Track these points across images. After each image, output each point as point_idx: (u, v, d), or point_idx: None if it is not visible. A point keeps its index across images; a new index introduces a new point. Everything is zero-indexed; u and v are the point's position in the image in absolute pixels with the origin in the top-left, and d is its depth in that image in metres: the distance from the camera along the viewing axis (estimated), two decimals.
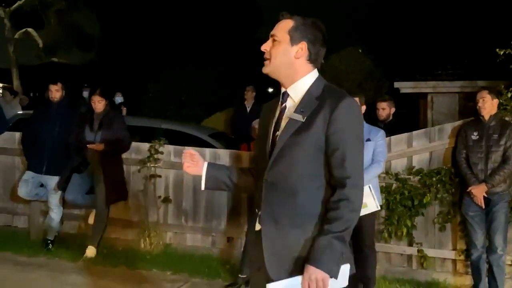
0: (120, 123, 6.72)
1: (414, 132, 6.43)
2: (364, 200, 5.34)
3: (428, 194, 6.17)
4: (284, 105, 2.64)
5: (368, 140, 5.52)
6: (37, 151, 6.78)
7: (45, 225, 7.00)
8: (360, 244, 5.51)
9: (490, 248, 5.64)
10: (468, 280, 6.17)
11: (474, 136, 5.74)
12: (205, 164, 2.86)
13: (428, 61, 14.19)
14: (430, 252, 6.29)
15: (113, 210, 6.81)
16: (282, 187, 2.58)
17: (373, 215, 5.54)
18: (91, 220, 6.90)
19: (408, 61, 14.39)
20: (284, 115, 2.62)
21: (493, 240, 5.60)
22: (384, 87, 13.14)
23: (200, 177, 2.86)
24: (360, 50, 12.02)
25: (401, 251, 6.35)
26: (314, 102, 2.54)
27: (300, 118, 2.54)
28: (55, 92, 6.82)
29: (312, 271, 2.41)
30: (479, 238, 5.69)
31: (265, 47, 2.62)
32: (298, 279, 2.49)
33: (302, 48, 2.55)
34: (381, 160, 5.52)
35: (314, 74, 2.61)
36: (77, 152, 6.57)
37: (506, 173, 5.57)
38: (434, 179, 6.21)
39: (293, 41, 2.55)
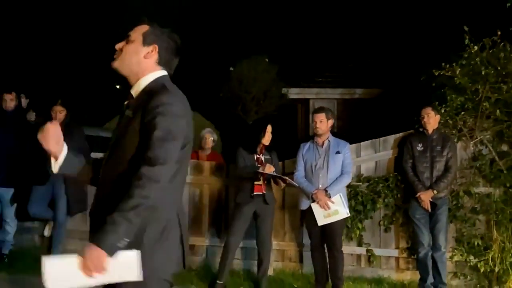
0: (81, 134, 6.69)
1: (362, 143, 7.08)
2: (336, 207, 5.97)
3: (379, 200, 6.85)
4: (127, 102, 2.79)
5: (338, 152, 6.08)
6: None
7: (0, 238, 6.74)
8: (331, 248, 6.06)
9: (434, 247, 6.39)
10: (408, 275, 6.95)
11: (419, 147, 6.49)
12: (65, 147, 2.85)
13: (310, 68, 15.12)
14: (377, 251, 6.99)
15: (70, 222, 6.75)
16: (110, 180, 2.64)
17: (343, 220, 6.10)
18: (47, 232, 6.79)
19: (299, 68, 15.21)
20: (125, 112, 2.72)
21: (437, 239, 6.37)
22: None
23: None
24: (266, 59, 12.54)
25: (351, 251, 6.96)
26: (143, 98, 2.63)
27: (130, 114, 2.64)
28: (10, 101, 6.61)
29: (89, 248, 2.36)
30: (426, 238, 6.44)
31: (118, 45, 2.75)
32: (74, 256, 2.41)
33: (152, 50, 2.69)
34: (349, 170, 6.11)
35: (157, 74, 2.70)
36: (37, 163, 6.42)
37: (449, 180, 6.39)
38: (381, 185, 6.91)
39: (146, 42, 2.69)
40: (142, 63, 2.68)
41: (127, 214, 2.36)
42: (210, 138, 8.03)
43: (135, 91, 2.71)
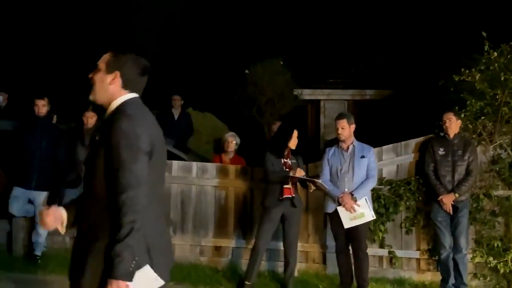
0: None
1: (384, 147, 7.23)
2: (362, 210, 6.15)
3: (401, 203, 7.02)
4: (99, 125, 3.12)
5: (363, 157, 6.25)
6: (24, 167, 6.70)
7: (33, 240, 6.92)
8: (357, 250, 6.23)
9: (455, 248, 6.55)
10: (429, 276, 7.12)
11: (441, 151, 6.65)
12: (63, 211, 3.00)
13: (321, 70, 15.22)
14: (398, 253, 7.15)
15: None
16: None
17: (367, 223, 6.28)
18: None
19: (310, 69, 15.32)
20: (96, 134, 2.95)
21: (459, 241, 6.53)
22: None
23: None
24: (281, 62, 12.63)
25: (373, 253, 7.12)
26: (107, 124, 2.82)
27: (98, 136, 2.87)
28: (42, 107, 6.78)
29: (109, 285, 2.59)
30: (447, 240, 6.60)
31: (91, 74, 2.97)
32: None
33: (115, 76, 2.88)
34: (374, 174, 6.28)
35: (123, 98, 2.89)
36: (70, 167, 6.62)
37: (470, 184, 6.56)
38: (403, 188, 7.07)
39: (108, 70, 2.90)
40: (109, 90, 2.89)
41: (125, 242, 2.58)
42: (233, 141, 8.20)
43: (106, 115, 2.93)
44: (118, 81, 2.88)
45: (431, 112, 8.04)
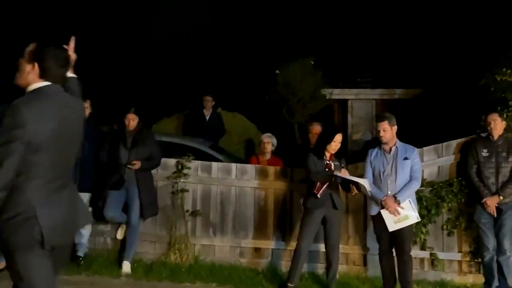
0: (153, 140, 6.91)
1: (425, 148, 7.16)
2: (406, 212, 6.09)
3: (443, 204, 6.95)
4: None
5: (406, 158, 6.17)
6: None
7: (76, 241, 6.98)
8: (401, 252, 6.17)
9: (499, 251, 6.46)
10: (471, 278, 7.03)
11: (484, 153, 6.56)
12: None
13: (350, 69, 15.14)
14: (440, 255, 7.08)
15: (141, 225, 6.98)
16: None
17: (412, 225, 6.22)
18: (120, 235, 7.03)
19: (340, 69, 15.23)
20: None
21: (503, 244, 6.44)
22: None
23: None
24: (312, 62, 12.58)
25: (415, 255, 7.03)
26: None
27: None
28: (84, 109, 6.80)
29: None
30: (491, 242, 6.51)
31: (19, 61, 3.32)
32: None
33: (33, 66, 3.24)
34: (418, 176, 6.19)
35: (35, 86, 3.25)
36: (113, 169, 6.66)
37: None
38: (445, 190, 7.00)
39: (29, 60, 3.26)
40: (28, 78, 3.25)
41: None
42: (269, 142, 8.19)
43: None
44: (36, 71, 3.22)
45: (467, 112, 7.95)
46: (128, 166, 6.59)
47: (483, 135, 6.75)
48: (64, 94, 3.35)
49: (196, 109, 11.47)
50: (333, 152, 6.34)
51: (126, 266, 6.65)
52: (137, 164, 6.59)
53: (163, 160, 7.14)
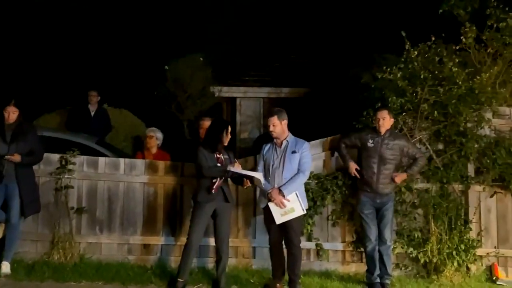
0: (34, 134, 6.57)
1: (312, 142, 7.33)
2: (292, 205, 6.26)
3: (329, 196, 7.19)
4: None
5: (294, 152, 6.30)
6: None
7: None
8: (290, 244, 6.30)
9: (381, 240, 6.77)
10: (353, 267, 7.35)
11: (370, 143, 6.78)
12: None
13: (239, 67, 15.35)
14: (325, 246, 7.32)
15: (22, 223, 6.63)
16: None
17: (300, 218, 6.37)
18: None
19: (229, 67, 15.39)
20: None
21: (384, 234, 6.76)
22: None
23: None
24: (201, 59, 12.56)
25: (302, 246, 7.18)
26: None
27: None
28: None
29: None
30: (373, 233, 6.80)
31: None
32: None
33: None
34: (305, 169, 6.33)
35: None
36: None
37: (420, 165, 6.87)
38: (329, 182, 7.25)
39: None
40: None
41: None
42: (153, 136, 8.07)
43: None
44: None
45: (349, 109, 8.27)
46: (6, 157, 6.20)
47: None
48: None
49: (80, 105, 11.06)
50: (226, 144, 6.37)
51: (6, 267, 6.29)
52: (17, 157, 6.23)
53: (46, 155, 6.82)
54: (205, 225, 6.31)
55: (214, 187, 6.14)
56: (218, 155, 6.29)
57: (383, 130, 6.75)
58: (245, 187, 6.42)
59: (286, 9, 17.39)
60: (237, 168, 6.16)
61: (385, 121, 6.74)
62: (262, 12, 17.98)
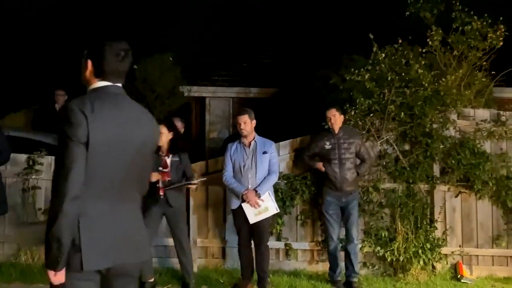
0: (1, 134, 6.45)
1: (281, 143, 7.43)
2: (266, 204, 6.30)
3: (298, 196, 7.27)
4: None
5: (265, 152, 6.36)
6: None
7: None
8: (259, 244, 6.35)
9: (347, 239, 6.88)
10: (321, 267, 7.43)
11: (327, 145, 6.87)
12: None
13: (208, 67, 15.38)
14: (294, 245, 7.40)
15: None
16: None
17: (270, 217, 6.43)
18: None
19: (198, 66, 15.41)
20: None
21: (350, 233, 6.85)
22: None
23: None
24: (171, 59, 12.52)
25: (271, 246, 7.26)
26: None
27: None
28: None
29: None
30: (336, 232, 6.88)
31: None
32: None
33: (87, 64, 2.94)
34: (276, 169, 6.42)
35: (92, 86, 2.94)
36: None
37: (366, 168, 6.98)
38: (299, 182, 7.32)
39: (86, 57, 2.97)
40: (85, 77, 2.95)
41: (50, 231, 2.66)
42: None
43: None
44: (91, 69, 2.90)
45: (316, 110, 8.35)
46: None
47: (327, 126, 7.02)
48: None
49: (47, 104, 10.91)
50: (159, 144, 6.04)
51: None
52: None
53: (13, 155, 6.69)
54: (156, 225, 6.25)
55: (160, 192, 6.10)
56: (163, 157, 6.17)
57: (336, 128, 6.84)
58: (193, 190, 6.40)
59: (256, 9, 17.46)
60: (154, 177, 6.00)
61: (336, 118, 6.83)
62: (231, 12, 18.02)
